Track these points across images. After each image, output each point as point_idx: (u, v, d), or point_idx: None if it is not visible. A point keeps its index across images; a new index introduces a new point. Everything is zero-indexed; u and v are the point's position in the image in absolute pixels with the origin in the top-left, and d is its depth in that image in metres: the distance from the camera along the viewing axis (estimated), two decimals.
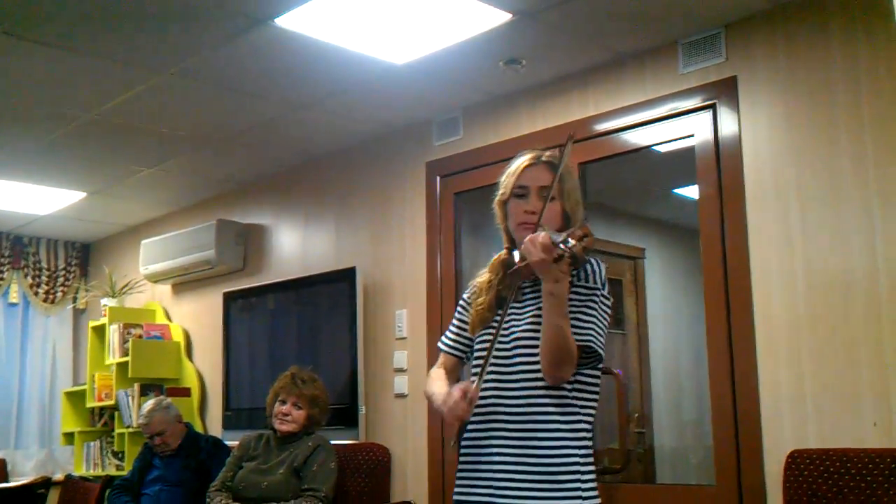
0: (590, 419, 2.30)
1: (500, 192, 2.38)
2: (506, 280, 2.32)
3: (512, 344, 2.26)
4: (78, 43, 3.73)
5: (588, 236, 2.02)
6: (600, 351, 2.24)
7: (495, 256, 2.44)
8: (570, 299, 2.19)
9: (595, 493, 2.26)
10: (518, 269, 2.22)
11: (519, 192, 2.32)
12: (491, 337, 2.27)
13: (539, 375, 2.22)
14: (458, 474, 2.35)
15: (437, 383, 2.40)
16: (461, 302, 2.52)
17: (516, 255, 2.32)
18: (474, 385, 2.20)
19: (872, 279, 3.10)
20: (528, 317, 2.27)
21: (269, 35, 3.64)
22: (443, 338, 2.53)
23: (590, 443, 2.29)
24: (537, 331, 2.22)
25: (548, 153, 2.37)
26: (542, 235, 2.05)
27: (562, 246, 2.00)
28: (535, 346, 2.22)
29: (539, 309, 2.24)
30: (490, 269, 2.42)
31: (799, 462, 3.09)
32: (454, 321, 2.52)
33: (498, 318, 2.30)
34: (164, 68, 3.99)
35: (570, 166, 2.39)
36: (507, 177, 2.36)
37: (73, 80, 4.12)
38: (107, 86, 4.19)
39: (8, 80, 4.12)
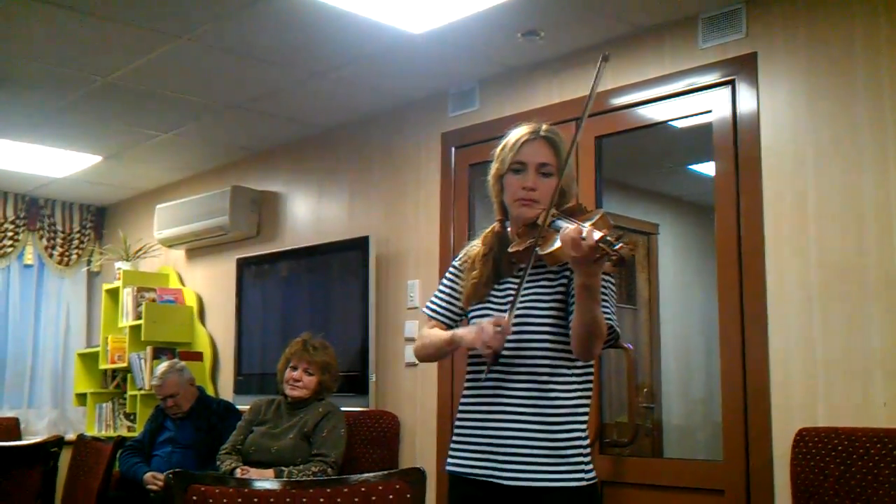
0: (589, 392, 2.32)
1: (496, 165, 2.37)
2: (505, 256, 2.32)
3: (517, 320, 2.27)
4: (96, 7, 3.72)
5: (624, 235, 1.99)
6: (618, 330, 2.27)
7: (487, 229, 2.44)
8: None
9: (592, 465, 2.28)
10: (524, 251, 2.22)
11: (517, 167, 2.31)
12: (497, 312, 2.28)
13: (543, 353, 2.25)
14: (455, 446, 2.36)
15: (442, 332, 2.40)
16: (452, 269, 2.51)
17: (509, 227, 2.36)
18: (506, 318, 2.19)
19: (887, 258, 3.09)
20: (531, 295, 2.28)
21: (287, 2, 3.63)
22: (429, 304, 2.52)
23: (588, 416, 2.31)
24: (541, 308, 2.26)
25: (545, 126, 2.35)
26: (586, 231, 2.00)
27: (610, 243, 1.95)
28: (539, 324, 2.26)
29: (539, 286, 2.28)
30: (483, 242, 2.42)
31: (807, 440, 3.10)
32: (443, 288, 2.50)
33: (501, 294, 2.32)
34: (181, 34, 3.99)
35: (567, 142, 2.36)
36: (505, 150, 2.35)
37: (90, 43, 4.12)
38: (124, 50, 4.19)
39: (26, 42, 4.13)
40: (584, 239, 1.98)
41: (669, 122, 3.88)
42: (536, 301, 2.28)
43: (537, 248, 2.17)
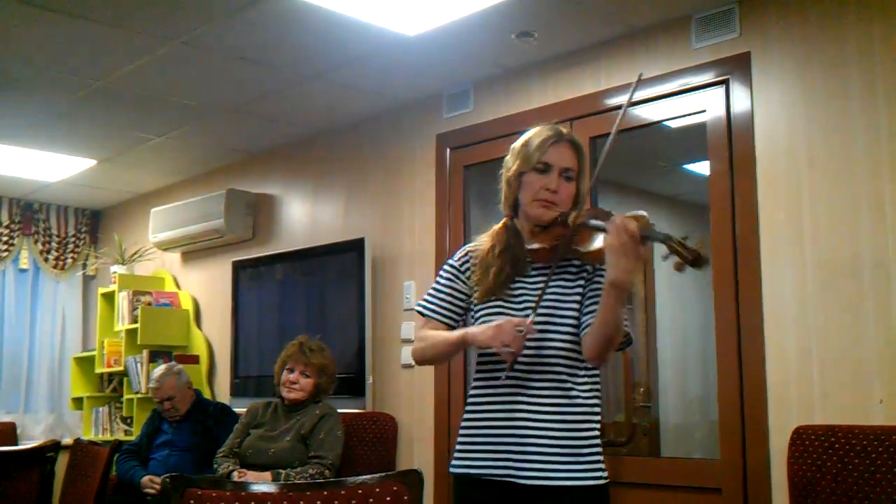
0: (599, 394, 2.32)
1: (518, 162, 2.32)
2: (524, 253, 2.31)
3: (539, 318, 2.25)
4: (90, 10, 3.72)
5: (688, 237, 2.00)
6: (632, 335, 2.27)
7: (498, 225, 2.41)
8: (597, 284, 2.21)
9: (605, 466, 2.28)
10: (551, 248, 2.21)
11: (541, 167, 2.28)
12: (512, 308, 2.27)
13: (565, 353, 2.24)
14: (465, 448, 2.33)
15: (444, 334, 2.34)
16: (450, 269, 2.44)
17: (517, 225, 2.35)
18: (529, 318, 2.16)
19: (882, 257, 3.10)
20: (552, 294, 2.27)
21: (281, 4, 3.63)
22: (426, 303, 2.42)
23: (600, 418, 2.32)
24: (562, 307, 2.26)
25: (564, 129, 2.35)
26: (632, 225, 2.02)
27: (686, 245, 1.96)
28: (561, 324, 2.25)
29: (557, 286, 2.27)
30: (493, 238, 2.38)
31: (804, 438, 3.11)
32: (441, 287, 2.42)
33: (517, 291, 2.30)
34: (175, 37, 3.99)
35: (585, 145, 2.39)
36: (529, 149, 2.30)
37: (84, 47, 4.12)
38: (118, 54, 4.19)
39: (20, 46, 4.12)
40: (634, 238, 1.99)
41: (664, 122, 3.89)
42: (558, 303, 2.27)
43: (577, 247, 2.16)
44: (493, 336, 2.15)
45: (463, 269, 2.42)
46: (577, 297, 2.27)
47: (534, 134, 2.34)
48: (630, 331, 2.26)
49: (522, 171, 2.31)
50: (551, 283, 2.27)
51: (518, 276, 2.32)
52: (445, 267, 2.47)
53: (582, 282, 2.29)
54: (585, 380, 2.27)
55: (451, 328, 2.40)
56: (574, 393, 2.24)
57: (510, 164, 2.35)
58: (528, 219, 2.33)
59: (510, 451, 2.24)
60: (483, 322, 2.32)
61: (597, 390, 2.30)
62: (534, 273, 2.31)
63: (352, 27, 3.84)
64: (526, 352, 2.21)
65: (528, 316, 2.23)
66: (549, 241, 2.24)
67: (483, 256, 2.37)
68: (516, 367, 2.24)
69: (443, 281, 2.44)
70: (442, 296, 2.42)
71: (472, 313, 2.40)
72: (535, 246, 2.26)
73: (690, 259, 1.95)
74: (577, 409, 2.23)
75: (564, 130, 2.34)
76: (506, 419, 2.26)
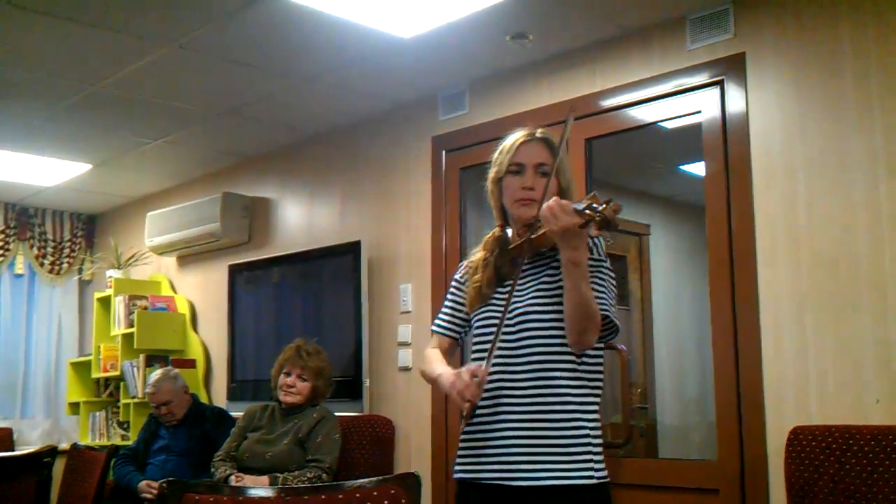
0: (598, 391, 2.31)
1: (495, 169, 2.39)
2: (506, 256, 2.33)
3: (516, 320, 2.27)
4: (84, 14, 3.71)
5: (612, 201, 2.00)
6: (616, 321, 2.25)
7: (488, 234, 2.46)
8: None
9: (604, 465, 2.27)
10: (521, 244, 2.24)
11: (515, 168, 2.33)
12: (499, 314, 2.26)
13: (547, 349, 2.23)
14: (462, 453, 2.34)
15: (437, 364, 2.40)
16: (453, 283, 2.53)
17: (509, 232, 2.37)
18: (483, 367, 2.18)
19: (878, 257, 3.10)
20: (531, 291, 2.28)
21: (276, 8, 3.63)
22: (436, 320, 2.54)
23: (598, 415, 2.30)
24: (543, 304, 2.25)
25: (540, 130, 2.38)
26: (563, 201, 2.05)
27: (595, 207, 1.98)
28: (542, 320, 2.24)
29: (541, 282, 2.27)
30: (484, 247, 2.43)
31: (801, 438, 3.11)
32: (447, 302, 2.52)
33: (503, 295, 2.31)
34: (170, 41, 3.98)
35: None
36: (502, 154, 2.37)
37: (78, 51, 4.11)
38: (113, 58, 4.18)
39: (14, 51, 4.11)
40: (562, 209, 2.02)
41: (659, 124, 3.89)
42: (538, 295, 2.27)
43: (531, 236, 2.18)
44: (451, 386, 2.21)
45: (463, 280, 2.48)
46: (562, 290, 2.27)
47: (507, 140, 2.39)
48: (613, 316, 2.24)
49: (500, 177, 2.36)
50: (533, 277, 2.30)
51: (506, 279, 2.33)
52: (451, 282, 2.55)
53: None
54: (579, 374, 2.25)
55: (455, 340, 2.50)
56: (563, 390, 2.22)
57: (490, 173, 2.41)
58: (514, 221, 2.37)
59: (497, 452, 2.24)
60: (477, 330, 2.38)
61: (592, 385, 2.28)
62: (522, 274, 2.32)
63: (347, 30, 3.84)
64: (502, 346, 2.24)
65: (514, 319, 2.26)
66: (523, 237, 2.27)
67: (474, 266, 2.43)
68: (498, 366, 2.25)
69: (448, 296, 2.53)
70: (445, 311, 2.52)
71: (472, 323, 2.44)
72: (512, 246, 2.29)
73: (598, 220, 1.97)
74: (564, 406, 2.21)
75: (538, 131, 2.37)
76: (490, 422, 2.26)
